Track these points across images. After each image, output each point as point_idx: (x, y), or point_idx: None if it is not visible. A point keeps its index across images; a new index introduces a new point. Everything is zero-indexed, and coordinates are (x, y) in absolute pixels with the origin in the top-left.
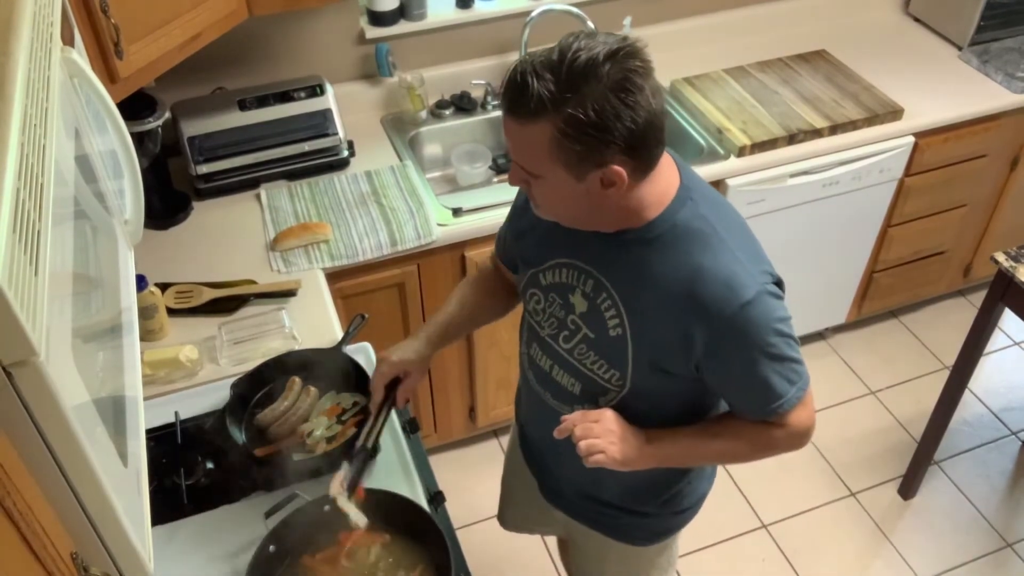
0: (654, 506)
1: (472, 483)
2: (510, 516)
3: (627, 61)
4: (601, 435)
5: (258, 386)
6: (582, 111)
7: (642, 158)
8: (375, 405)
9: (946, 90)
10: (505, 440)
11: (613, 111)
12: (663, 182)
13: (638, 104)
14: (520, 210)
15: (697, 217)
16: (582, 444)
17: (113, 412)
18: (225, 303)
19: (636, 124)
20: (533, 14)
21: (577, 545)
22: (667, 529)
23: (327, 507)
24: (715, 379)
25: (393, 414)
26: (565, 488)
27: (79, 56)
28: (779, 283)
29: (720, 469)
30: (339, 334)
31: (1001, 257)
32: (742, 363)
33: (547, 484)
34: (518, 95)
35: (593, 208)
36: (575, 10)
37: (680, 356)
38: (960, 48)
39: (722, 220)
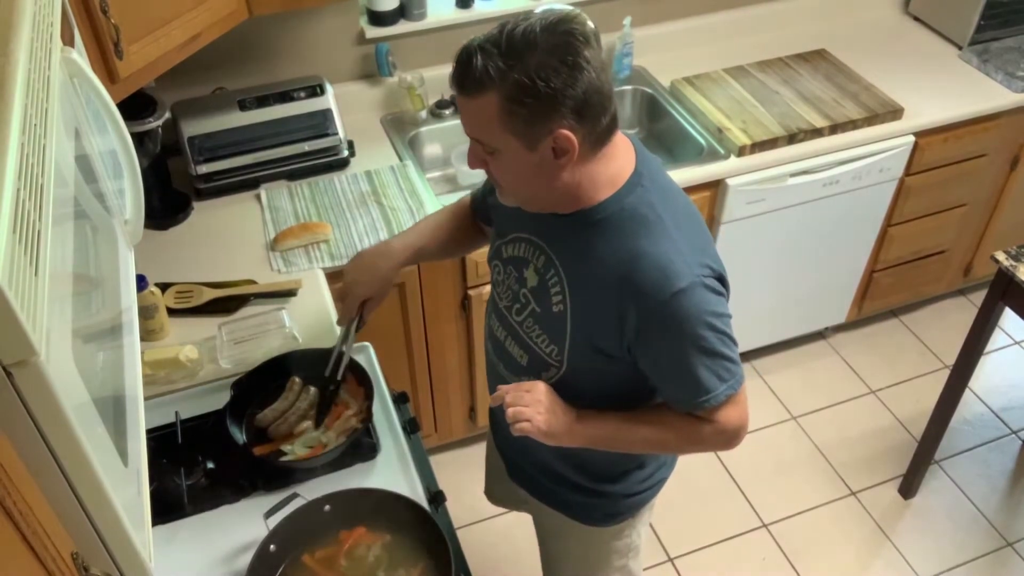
0: (604, 485)
1: (472, 483)
2: (493, 490)
3: (564, 25)
4: (530, 404)
5: (258, 386)
6: (525, 76)
7: (590, 124)
8: (340, 337)
9: (946, 89)
10: None
11: (555, 72)
12: (617, 165)
13: (578, 66)
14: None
15: (644, 203)
16: (510, 411)
17: (113, 412)
18: (225, 303)
19: (578, 85)
20: None
21: (539, 523)
22: (620, 511)
23: (327, 507)
24: (645, 364)
25: (393, 413)
26: (523, 462)
27: (79, 56)
28: (722, 279)
29: (721, 468)
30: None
31: (1001, 256)
32: (670, 351)
33: (508, 458)
34: (465, 70)
35: (549, 184)
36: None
37: (613, 337)
38: (960, 47)
39: (669, 209)
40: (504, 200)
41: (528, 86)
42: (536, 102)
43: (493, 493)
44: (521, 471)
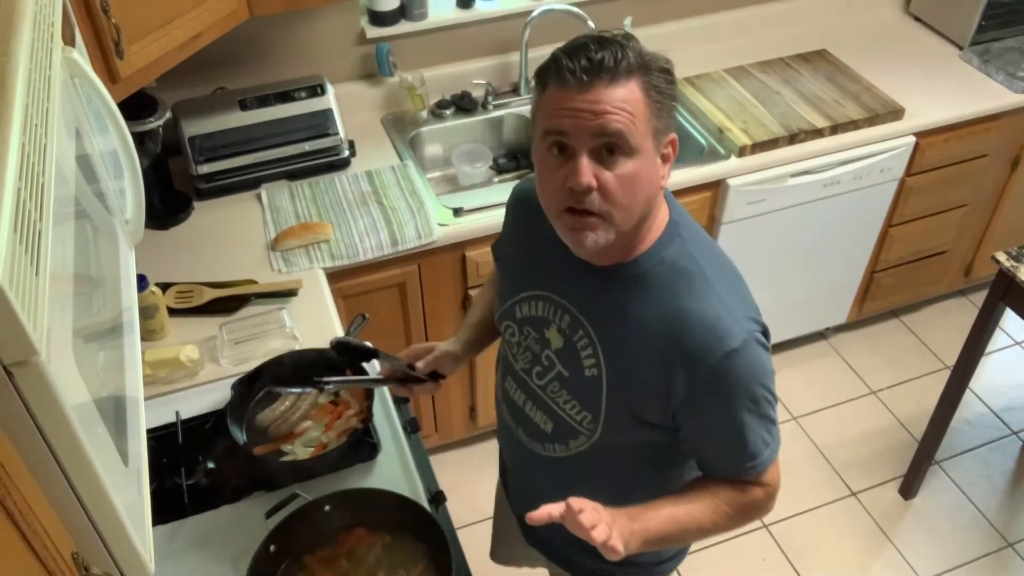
0: (633, 556)
1: (473, 483)
2: (500, 552)
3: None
4: (601, 523)
5: (258, 386)
6: (660, 68)
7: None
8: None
9: (947, 90)
10: None
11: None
12: (662, 209)
13: None
14: (505, 237)
15: (685, 255)
16: (596, 534)
17: (114, 412)
18: (226, 303)
19: None
20: (534, 14)
21: None
22: None
23: (327, 507)
24: (690, 431)
25: (394, 413)
26: (541, 529)
27: (80, 56)
28: (765, 332)
29: None
30: (340, 334)
31: (1002, 257)
32: (721, 415)
33: (524, 522)
34: (601, 55)
35: (654, 198)
36: (576, 10)
37: (657, 403)
38: (961, 48)
39: (710, 261)
40: (584, 246)
41: (670, 76)
42: (670, 99)
43: (497, 555)
44: (537, 536)
